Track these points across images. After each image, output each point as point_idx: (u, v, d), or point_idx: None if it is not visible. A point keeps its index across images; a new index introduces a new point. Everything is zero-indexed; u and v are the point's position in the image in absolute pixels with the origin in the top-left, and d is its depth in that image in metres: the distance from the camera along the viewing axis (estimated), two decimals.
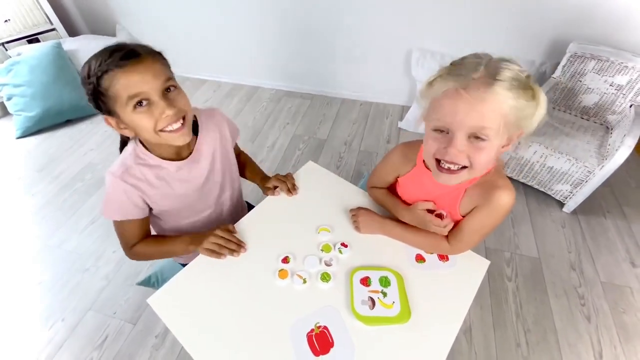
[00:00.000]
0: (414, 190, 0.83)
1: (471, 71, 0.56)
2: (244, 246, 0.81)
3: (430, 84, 0.61)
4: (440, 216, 0.77)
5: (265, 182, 0.97)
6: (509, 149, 0.64)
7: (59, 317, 1.35)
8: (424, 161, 0.74)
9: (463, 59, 0.60)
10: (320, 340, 0.67)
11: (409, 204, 0.84)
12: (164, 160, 0.79)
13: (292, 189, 0.94)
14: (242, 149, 1.08)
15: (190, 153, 0.83)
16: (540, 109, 0.58)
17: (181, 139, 0.73)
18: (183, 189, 0.85)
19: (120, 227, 0.82)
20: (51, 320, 1.34)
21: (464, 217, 0.75)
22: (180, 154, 0.82)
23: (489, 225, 0.72)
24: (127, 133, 0.73)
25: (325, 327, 0.69)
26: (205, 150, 0.86)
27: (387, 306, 0.71)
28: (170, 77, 0.71)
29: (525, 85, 0.56)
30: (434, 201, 0.78)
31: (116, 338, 1.28)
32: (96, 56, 0.66)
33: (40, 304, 1.40)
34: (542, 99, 0.58)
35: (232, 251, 0.79)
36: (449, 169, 0.63)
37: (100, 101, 0.68)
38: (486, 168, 0.66)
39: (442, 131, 0.61)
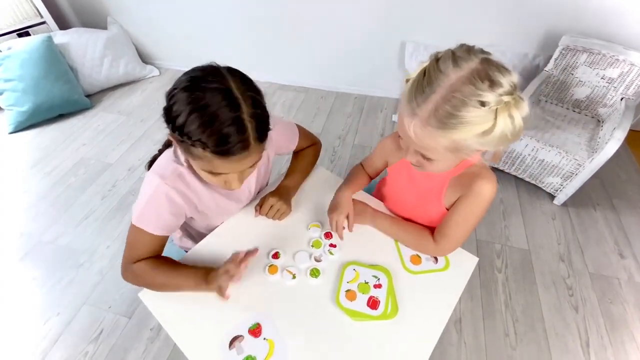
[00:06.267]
0: (402, 181, 0.84)
1: (422, 102, 0.54)
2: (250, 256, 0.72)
3: (406, 81, 0.59)
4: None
5: (270, 193, 0.90)
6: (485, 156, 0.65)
7: (54, 312, 1.36)
8: None
9: (436, 68, 0.53)
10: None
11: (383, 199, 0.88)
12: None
13: (275, 217, 0.88)
14: None
15: None
16: (496, 133, 0.52)
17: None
18: (224, 203, 0.84)
19: (139, 234, 0.72)
20: (46, 315, 1.35)
21: (448, 209, 0.76)
22: None
23: (471, 217, 0.73)
24: (184, 157, 0.70)
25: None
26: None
27: None
28: (260, 159, 0.65)
29: (483, 119, 0.51)
30: (419, 195, 0.79)
31: (111, 332, 1.30)
32: (209, 120, 0.54)
33: (34, 300, 1.40)
34: (500, 126, 0.51)
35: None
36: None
37: (175, 129, 0.57)
38: (447, 170, 0.69)
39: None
